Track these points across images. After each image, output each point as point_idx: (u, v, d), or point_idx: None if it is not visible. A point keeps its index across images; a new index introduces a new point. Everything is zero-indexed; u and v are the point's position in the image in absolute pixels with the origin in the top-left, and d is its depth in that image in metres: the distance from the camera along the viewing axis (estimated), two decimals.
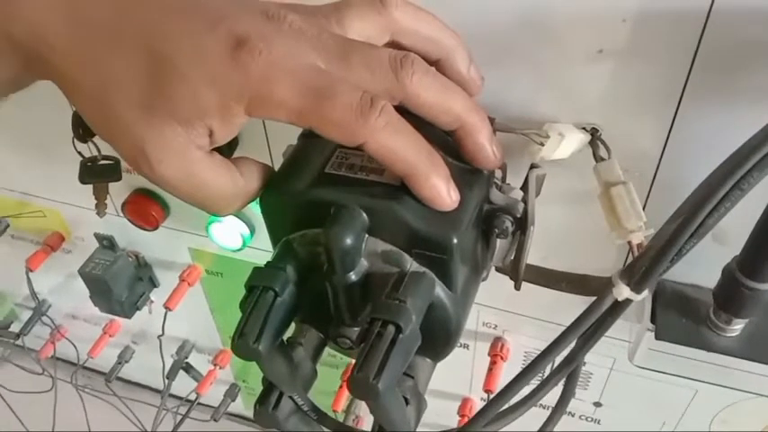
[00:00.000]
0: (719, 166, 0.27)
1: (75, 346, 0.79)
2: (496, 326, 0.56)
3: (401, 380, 0.34)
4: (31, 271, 0.69)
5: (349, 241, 0.29)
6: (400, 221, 0.30)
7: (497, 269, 0.41)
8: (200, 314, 0.73)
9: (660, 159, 0.38)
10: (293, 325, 0.37)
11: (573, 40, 0.35)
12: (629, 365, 0.52)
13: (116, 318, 0.80)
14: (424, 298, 0.31)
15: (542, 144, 0.35)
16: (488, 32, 0.36)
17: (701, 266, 0.41)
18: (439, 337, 0.34)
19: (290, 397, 0.34)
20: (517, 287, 0.37)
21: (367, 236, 0.31)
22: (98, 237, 0.65)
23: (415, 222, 0.30)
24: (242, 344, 0.29)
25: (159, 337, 0.67)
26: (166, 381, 0.73)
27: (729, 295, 0.39)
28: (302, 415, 0.35)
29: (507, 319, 0.55)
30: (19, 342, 0.86)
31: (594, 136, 0.38)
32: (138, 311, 0.68)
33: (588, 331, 0.32)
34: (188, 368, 0.76)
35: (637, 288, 0.29)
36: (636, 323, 0.47)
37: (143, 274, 0.67)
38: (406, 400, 0.33)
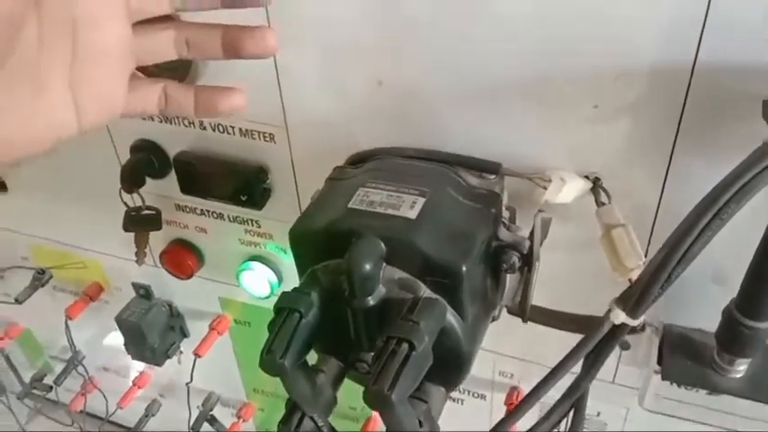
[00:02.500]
0: (701, 200, 0.30)
1: (104, 397, 0.81)
2: (512, 375, 0.58)
3: (415, 404, 0.36)
4: (71, 319, 0.73)
5: (368, 267, 0.33)
6: (414, 249, 0.33)
7: (509, 310, 0.44)
8: (227, 365, 0.75)
9: (659, 204, 0.41)
10: (316, 356, 0.40)
11: (570, 96, 0.39)
12: (644, 415, 0.53)
13: (146, 370, 0.83)
14: (437, 322, 0.33)
15: (545, 188, 0.39)
16: (494, 89, 0.41)
17: (705, 311, 0.43)
18: (450, 363, 0.36)
19: (311, 418, 0.36)
20: (524, 320, 0.40)
21: (385, 264, 0.34)
22: (135, 286, 0.69)
23: (428, 250, 0.33)
24: (269, 359, 0.32)
25: (187, 384, 0.69)
26: None
27: (730, 335, 0.41)
28: None
29: (523, 368, 0.57)
30: (51, 395, 0.90)
31: (596, 183, 0.41)
32: (168, 359, 0.71)
33: (590, 358, 0.34)
34: (212, 420, 0.78)
35: (632, 313, 0.32)
36: (645, 369, 0.49)
37: (175, 324, 0.70)
38: (420, 422, 0.35)
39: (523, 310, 0.39)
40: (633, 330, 0.40)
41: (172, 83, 0.38)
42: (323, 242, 0.36)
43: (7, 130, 0.31)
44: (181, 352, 0.74)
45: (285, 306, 0.34)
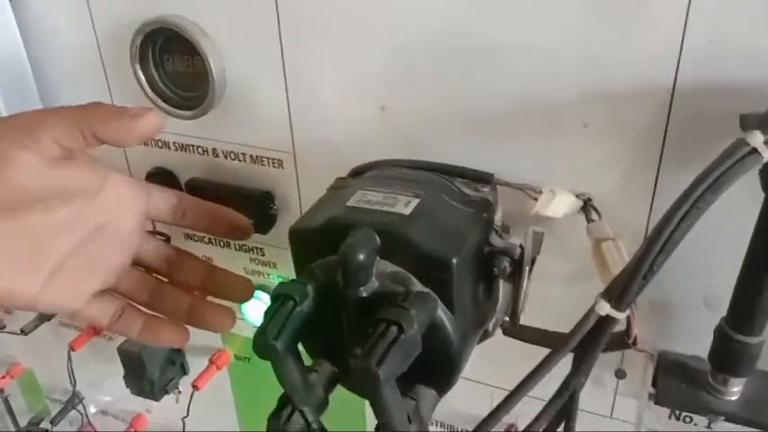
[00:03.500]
0: (681, 193, 0.32)
1: None
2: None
3: (405, 400, 0.36)
4: (73, 350, 0.73)
5: (362, 257, 0.34)
6: (406, 241, 0.35)
7: (504, 331, 0.45)
8: (225, 407, 0.75)
9: (648, 220, 0.43)
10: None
11: (562, 117, 0.41)
12: None
13: (143, 413, 0.83)
14: (427, 312, 0.34)
15: (536, 200, 0.40)
16: (489, 114, 0.43)
17: (700, 338, 0.43)
18: (440, 361, 0.37)
19: (301, 411, 0.36)
20: (514, 324, 0.40)
21: (378, 258, 0.36)
22: None
23: (419, 242, 0.35)
24: (262, 341, 0.33)
25: (183, 418, 0.69)
26: None
27: (721, 353, 0.41)
28: None
29: (522, 403, 0.56)
30: None
31: (587, 203, 0.43)
32: (166, 395, 0.71)
33: (579, 356, 0.35)
34: None
35: (617, 305, 0.33)
36: (641, 400, 0.48)
37: (176, 359, 0.71)
38: (408, 419, 0.35)
39: (513, 320, 0.40)
40: (625, 344, 0.41)
41: (131, 307, 0.45)
42: (321, 238, 0.37)
43: None
44: (179, 391, 0.74)
45: (281, 293, 0.35)
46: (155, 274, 0.46)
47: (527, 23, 0.40)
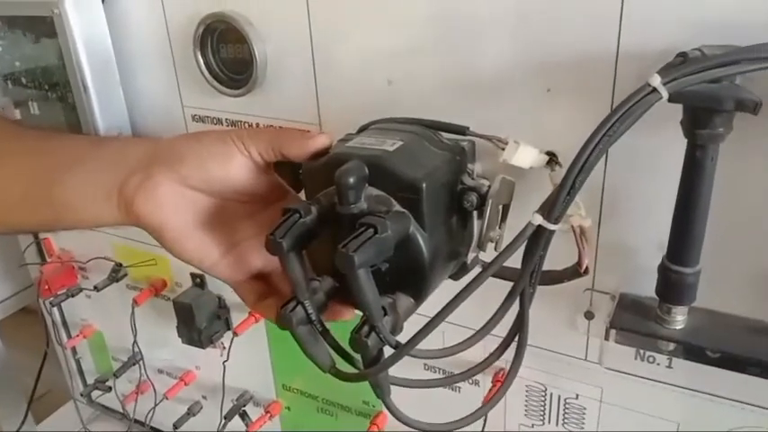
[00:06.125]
0: (598, 125, 0.40)
1: (154, 389, 0.92)
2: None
3: (382, 298, 0.45)
4: (137, 305, 0.85)
5: (352, 179, 0.43)
6: (386, 169, 0.44)
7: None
8: (262, 363, 0.84)
9: (604, 175, 0.50)
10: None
11: (530, 84, 0.50)
12: (618, 396, 0.59)
13: (192, 369, 0.94)
14: (401, 225, 0.43)
15: (503, 149, 0.49)
16: (472, 82, 0.52)
17: (656, 280, 0.50)
18: (414, 272, 0.45)
19: (302, 304, 0.45)
20: (483, 249, 0.49)
21: (367, 185, 0.45)
22: (193, 275, 0.81)
23: (396, 170, 0.44)
24: (272, 238, 0.43)
25: (224, 362, 0.79)
26: (224, 420, 0.84)
27: (662, 284, 0.48)
28: (312, 329, 0.46)
29: (511, 348, 0.63)
30: (107, 401, 1.00)
31: (552, 158, 0.51)
32: (211, 345, 0.81)
33: (523, 263, 0.43)
34: (243, 415, 0.86)
35: (548, 216, 0.41)
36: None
37: (222, 314, 0.81)
38: (384, 310, 0.44)
39: (480, 242, 0.48)
40: (578, 273, 0.48)
41: (275, 296, 0.52)
42: (325, 171, 0.46)
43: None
44: (224, 347, 0.84)
45: (289, 207, 0.45)
46: None
47: (499, 3, 0.49)
